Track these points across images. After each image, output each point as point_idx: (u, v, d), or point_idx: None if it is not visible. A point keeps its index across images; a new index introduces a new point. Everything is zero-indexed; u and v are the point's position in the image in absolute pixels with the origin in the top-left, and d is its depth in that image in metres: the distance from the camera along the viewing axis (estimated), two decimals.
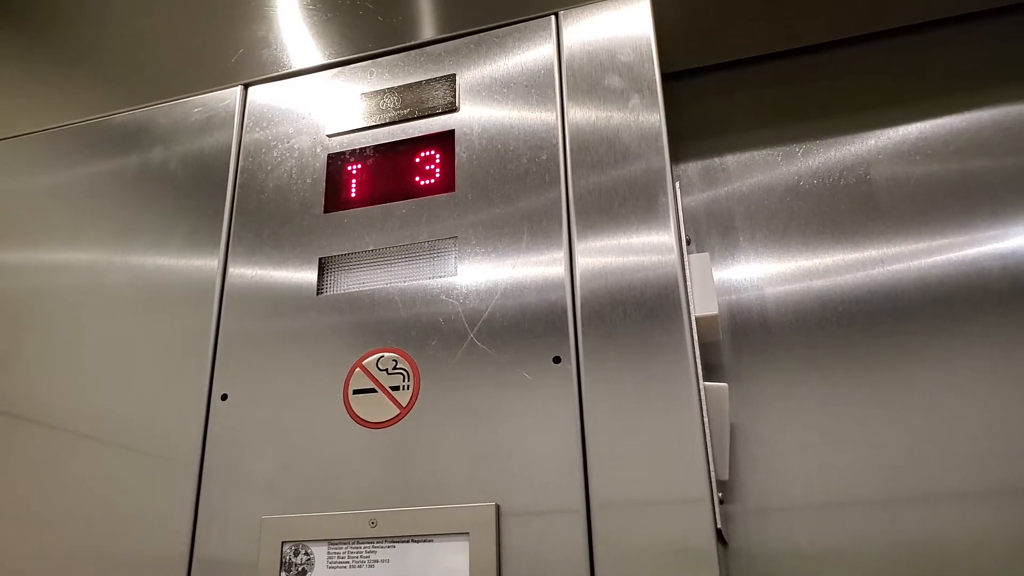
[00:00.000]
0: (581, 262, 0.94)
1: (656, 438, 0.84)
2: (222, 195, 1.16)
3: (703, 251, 1.14)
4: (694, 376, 0.85)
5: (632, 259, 0.92)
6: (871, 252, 1.10)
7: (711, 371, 1.09)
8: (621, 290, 0.91)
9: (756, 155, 1.21)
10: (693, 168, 1.23)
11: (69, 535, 1.03)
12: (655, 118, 0.98)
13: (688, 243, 1.05)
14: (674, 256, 0.90)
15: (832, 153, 1.18)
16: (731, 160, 1.22)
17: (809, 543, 0.99)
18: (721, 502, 0.91)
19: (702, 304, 0.96)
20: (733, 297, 1.13)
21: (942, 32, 1.18)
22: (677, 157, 1.23)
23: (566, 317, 0.92)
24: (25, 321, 1.20)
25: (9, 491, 1.08)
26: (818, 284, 1.11)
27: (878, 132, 1.16)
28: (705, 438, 0.83)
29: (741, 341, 1.11)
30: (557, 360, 0.90)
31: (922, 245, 1.09)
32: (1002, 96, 1.13)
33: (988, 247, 1.06)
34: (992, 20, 1.16)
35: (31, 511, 1.06)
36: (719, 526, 0.80)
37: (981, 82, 1.14)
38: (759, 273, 1.14)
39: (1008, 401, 0.98)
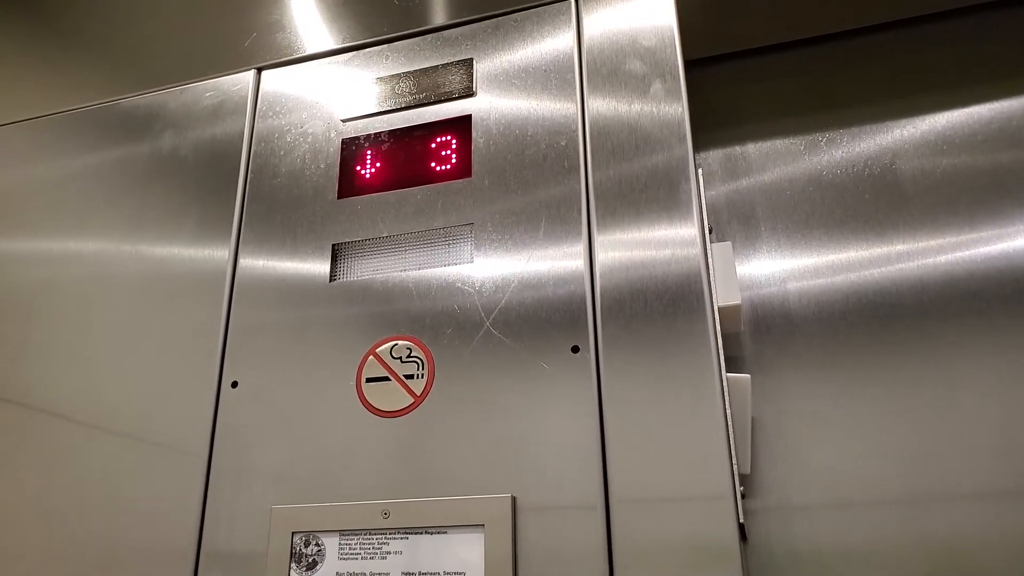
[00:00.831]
0: (600, 250, 0.92)
1: (678, 431, 0.81)
2: (234, 180, 1.14)
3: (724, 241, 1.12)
4: (717, 368, 0.83)
5: (654, 247, 0.90)
6: (897, 245, 1.07)
7: (731, 363, 1.06)
8: (642, 279, 0.89)
9: (778, 144, 1.18)
10: (714, 157, 1.21)
11: (76, 526, 1.01)
12: (678, 104, 0.96)
13: (710, 232, 1.02)
14: (697, 244, 0.88)
15: (856, 143, 1.15)
16: (752, 149, 1.19)
17: (831, 541, 0.96)
18: (743, 496, 0.89)
19: (724, 294, 0.94)
20: (754, 289, 1.11)
21: (969, 20, 1.16)
22: (697, 146, 1.20)
23: (585, 306, 0.90)
24: (34, 311, 1.18)
25: (17, 482, 1.07)
26: (841, 276, 1.08)
27: (904, 122, 1.14)
28: (728, 432, 0.81)
29: (762, 333, 1.08)
30: (576, 350, 0.88)
31: (949, 238, 1.06)
32: None
33: (1018, 241, 1.03)
34: (1021, 7, 1.14)
35: (38, 502, 1.04)
36: (742, 521, 0.78)
37: (1010, 71, 1.12)
38: (781, 265, 1.11)
39: None
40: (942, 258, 1.05)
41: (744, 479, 0.98)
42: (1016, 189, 1.05)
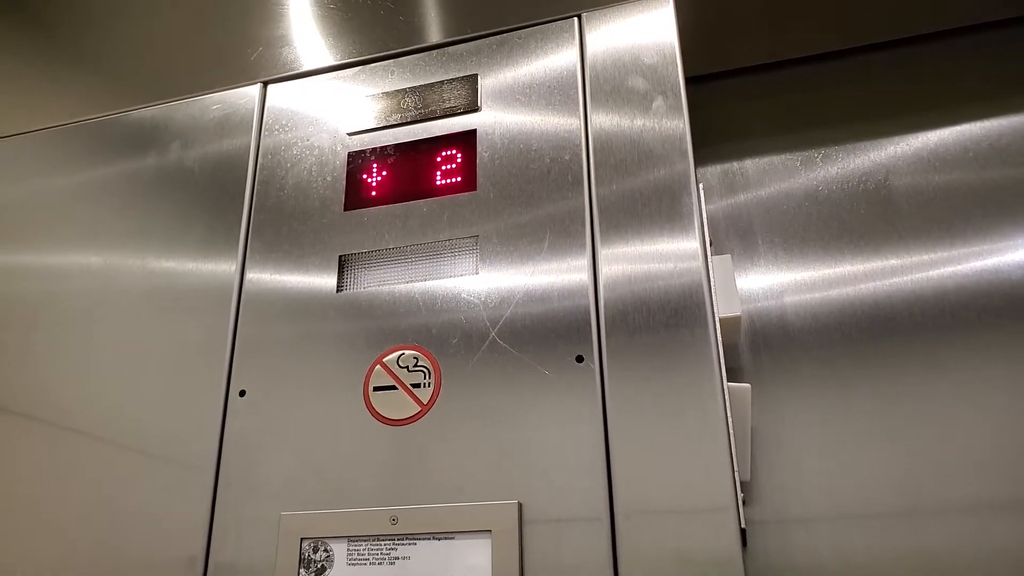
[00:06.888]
0: (604, 263, 0.94)
1: (681, 442, 0.83)
2: (241, 192, 1.16)
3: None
4: (719, 380, 0.84)
5: (657, 260, 0.92)
6: (891, 259, 1.10)
7: (729, 374, 1.08)
8: (646, 291, 0.91)
9: (775, 160, 1.21)
10: (712, 173, 1.24)
11: (80, 538, 1.01)
12: (679, 120, 0.98)
13: (709, 245, 1.04)
14: (699, 257, 0.90)
15: (851, 159, 1.18)
16: (750, 165, 1.22)
17: (828, 552, 0.98)
18: (744, 502, 0.90)
19: (724, 305, 0.96)
20: (752, 302, 1.13)
21: (961, 40, 1.19)
22: (696, 161, 1.22)
23: (589, 317, 0.92)
24: (38, 323, 1.18)
25: (21, 493, 1.07)
26: (837, 290, 1.11)
27: (897, 139, 1.17)
28: (730, 444, 0.82)
29: (760, 345, 1.11)
30: (580, 359, 0.90)
31: (941, 253, 1.09)
32: (1021, 104, 1.13)
33: (1008, 256, 1.06)
34: (1012, 29, 1.17)
35: (43, 514, 1.05)
36: (743, 526, 0.80)
37: (1000, 90, 1.15)
38: (778, 278, 1.14)
39: None
40: (934, 272, 1.08)
41: (744, 486, 1.00)
42: (1006, 205, 1.08)
